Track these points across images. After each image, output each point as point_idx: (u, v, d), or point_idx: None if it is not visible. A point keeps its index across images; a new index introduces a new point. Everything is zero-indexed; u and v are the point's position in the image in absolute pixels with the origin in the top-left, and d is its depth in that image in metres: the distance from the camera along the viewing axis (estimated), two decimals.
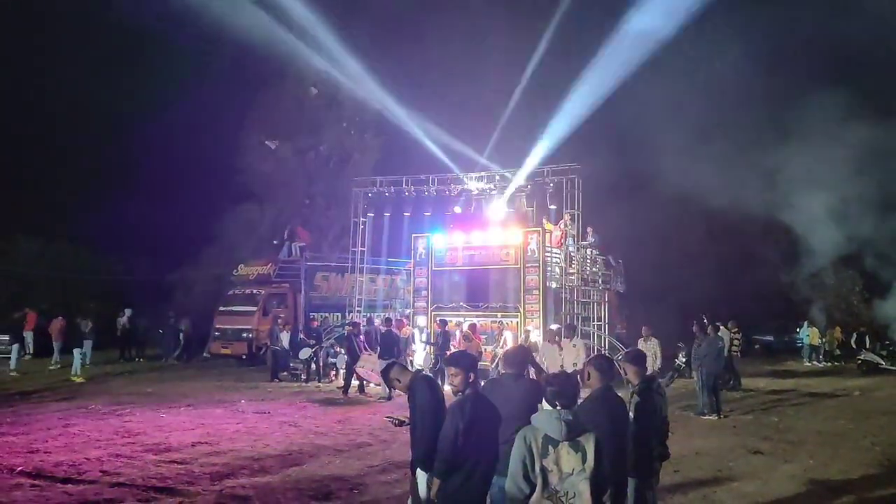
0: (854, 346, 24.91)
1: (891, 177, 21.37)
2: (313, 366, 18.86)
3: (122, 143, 31.83)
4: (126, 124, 30.85)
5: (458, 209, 20.55)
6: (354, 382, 16.28)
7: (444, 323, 17.80)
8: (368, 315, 21.16)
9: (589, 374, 5.17)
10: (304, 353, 18.55)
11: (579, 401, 4.44)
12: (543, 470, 3.75)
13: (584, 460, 3.75)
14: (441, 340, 16.74)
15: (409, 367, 8.73)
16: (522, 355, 5.75)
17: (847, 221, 22.99)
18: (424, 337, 18.48)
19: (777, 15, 25.40)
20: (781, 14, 25.02)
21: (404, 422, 5.48)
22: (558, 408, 3.93)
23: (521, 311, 18.30)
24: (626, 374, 5.52)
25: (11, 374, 18.26)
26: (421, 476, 5.09)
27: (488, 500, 4.79)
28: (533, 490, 3.77)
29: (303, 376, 18.63)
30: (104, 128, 31.12)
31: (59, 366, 20.17)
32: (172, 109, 29.37)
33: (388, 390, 15.29)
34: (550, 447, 3.77)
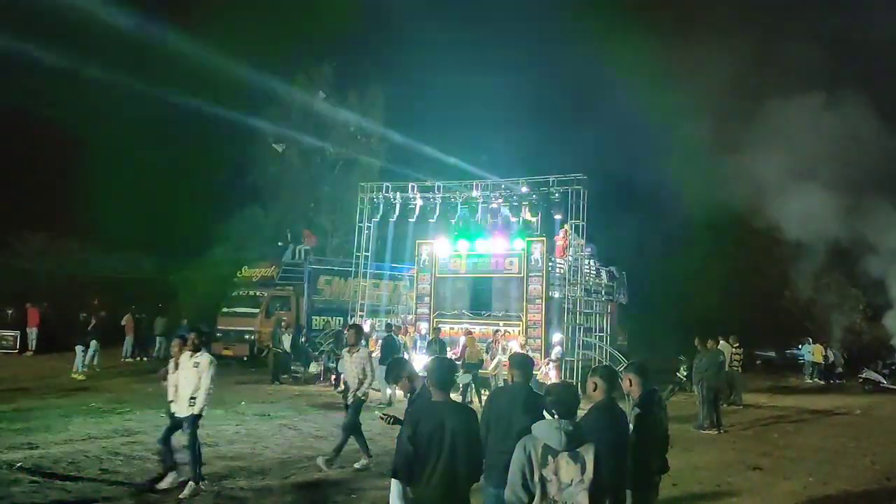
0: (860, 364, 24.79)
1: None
2: (313, 369, 18.88)
3: (129, 141, 31.90)
4: (134, 122, 30.93)
5: (462, 217, 20.55)
6: None
7: (437, 330, 17.87)
8: (374, 320, 21.17)
9: (595, 385, 5.16)
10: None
11: (580, 412, 4.44)
12: (542, 479, 3.76)
13: (583, 471, 3.75)
14: (437, 347, 16.71)
15: None
16: (529, 362, 5.75)
17: (851, 235, 23.08)
18: (425, 344, 18.46)
19: (791, 26, 25.52)
20: (795, 26, 25.14)
21: (399, 420, 5.47)
22: (556, 417, 3.95)
23: (524, 320, 18.32)
24: (629, 386, 5.51)
25: (74, 376, 17.80)
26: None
27: None
28: (531, 499, 3.78)
29: (303, 378, 18.65)
30: (111, 124, 31.20)
31: (134, 359, 22.90)
32: (181, 109, 29.46)
33: (387, 394, 15.30)
34: (550, 457, 3.78)
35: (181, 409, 7.92)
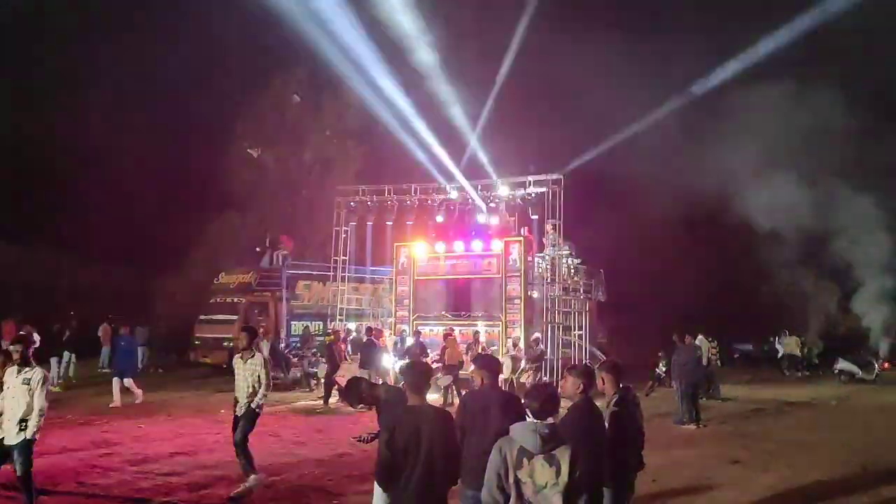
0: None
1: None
2: (296, 374, 18.90)
3: (102, 150, 31.57)
4: (107, 131, 30.60)
5: (440, 218, 20.56)
6: (335, 392, 16.21)
7: (418, 333, 17.89)
8: (357, 323, 21.14)
9: (573, 384, 5.20)
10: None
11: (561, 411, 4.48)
12: (517, 482, 3.78)
13: (557, 474, 3.77)
14: (418, 350, 16.73)
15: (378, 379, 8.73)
16: (495, 362, 5.82)
17: (821, 224, 23.49)
18: (405, 347, 18.40)
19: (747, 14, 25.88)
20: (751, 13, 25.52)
21: (376, 436, 5.47)
22: (530, 419, 3.98)
23: (504, 320, 18.36)
24: (602, 384, 5.55)
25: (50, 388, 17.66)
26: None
27: None
28: (507, 501, 3.80)
29: (283, 384, 18.56)
30: (84, 132, 30.86)
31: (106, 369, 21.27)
32: (155, 117, 29.25)
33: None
34: (525, 459, 3.79)
35: (10, 435, 6.72)
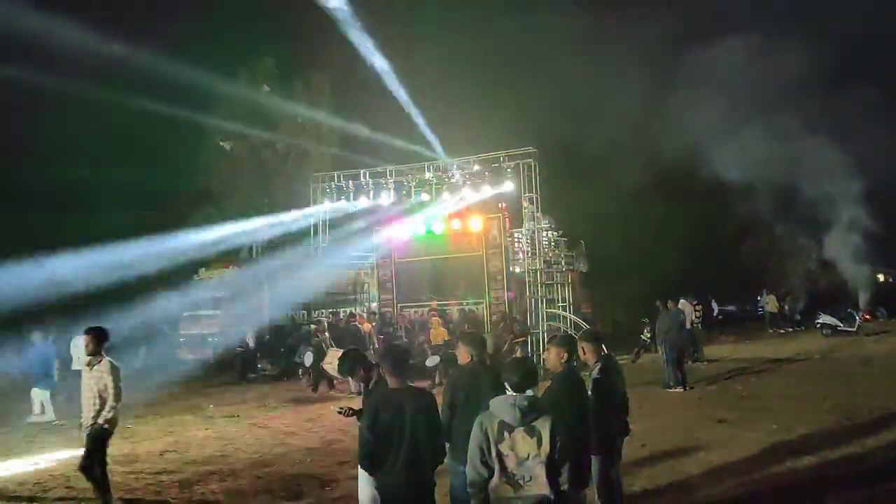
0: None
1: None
2: (282, 364, 18.91)
3: (70, 154, 31.12)
4: (74, 134, 30.14)
5: (417, 199, 20.47)
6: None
7: (403, 317, 17.91)
8: (338, 310, 21.08)
9: (555, 354, 5.21)
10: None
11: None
12: (500, 455, 3.80)
13: (539, 445, 3.79)
14: (404, 332, 16.75)
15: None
16: (480, 338, 5.83)
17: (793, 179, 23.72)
18: (390, 330, 18.42)
19: None
20: None
21: (356, 412, 5.44)
22: (510, 392, 4.00)
23: (487, 297, 18.40)
24: (584, 354, 5.57)
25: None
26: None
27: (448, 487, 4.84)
28: (492, 474, 3.81)
29: (271, 375, 18.52)
30: (49, 136, 30.40)
31: None
32: (123, 116, 28.77)
33: (358, 385, 15.24)
34: (506, 432, 3.81)
35: None
